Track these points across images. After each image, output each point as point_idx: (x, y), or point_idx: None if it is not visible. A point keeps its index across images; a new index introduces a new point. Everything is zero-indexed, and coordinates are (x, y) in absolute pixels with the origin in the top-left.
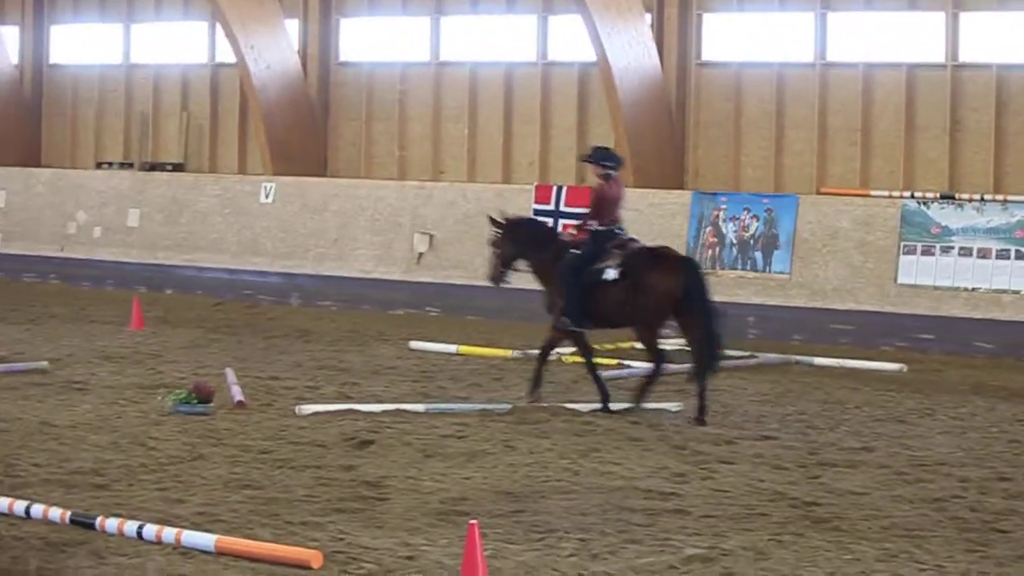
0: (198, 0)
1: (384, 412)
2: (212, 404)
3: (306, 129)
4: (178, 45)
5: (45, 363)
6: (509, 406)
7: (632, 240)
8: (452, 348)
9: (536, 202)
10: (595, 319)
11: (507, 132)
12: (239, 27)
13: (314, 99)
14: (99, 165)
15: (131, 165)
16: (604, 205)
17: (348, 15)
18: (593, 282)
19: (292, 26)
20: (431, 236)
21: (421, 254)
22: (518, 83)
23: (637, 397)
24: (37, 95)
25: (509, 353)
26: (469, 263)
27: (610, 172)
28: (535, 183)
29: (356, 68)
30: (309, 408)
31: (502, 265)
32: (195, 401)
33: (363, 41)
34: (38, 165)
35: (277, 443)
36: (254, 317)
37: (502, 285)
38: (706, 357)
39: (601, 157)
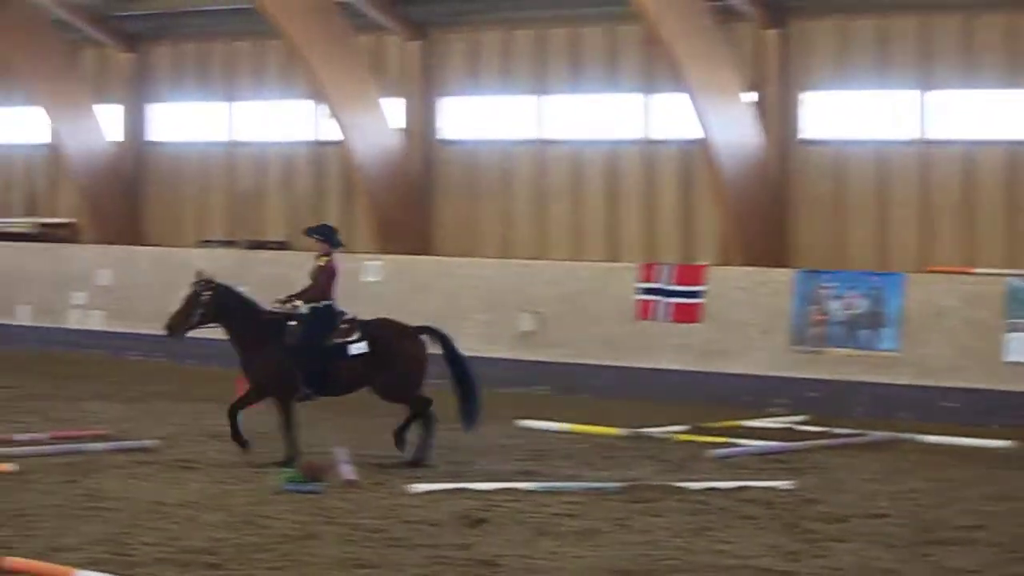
0: (300, 79)
1: (496, 490)
2: (323, 483)
3: (410, 207)
4: (280, 123)
5: (152, 441)
6: (622, 485)
7: (354, 317)
8: (563, 426)
9: (641, 280)
10: (329, 389)
11: (611, 210)
12: (341, 106)
13: (418, 177)
14: (201, 243)
15: (233, 243)
16: (334, 281)
17: (451, 94)
18: (335, 355)
19: (395, 104)
20: (538, 314)
21: (527, 332)
22: (622, 161)
23: (400, 443)
24: (140, 173)
25: (621, 432)
26: (575, 341)
27: (336, 250)
28: (640, 261)
29: (460, 146)
30: (421, 487)
31: (197, 323)
32: (306, 480)
33: (466, 119)
34: (141, 243)
35: (389, 522)
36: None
37: (177, 339)
38: (465, 412)
39: (329, 234)
